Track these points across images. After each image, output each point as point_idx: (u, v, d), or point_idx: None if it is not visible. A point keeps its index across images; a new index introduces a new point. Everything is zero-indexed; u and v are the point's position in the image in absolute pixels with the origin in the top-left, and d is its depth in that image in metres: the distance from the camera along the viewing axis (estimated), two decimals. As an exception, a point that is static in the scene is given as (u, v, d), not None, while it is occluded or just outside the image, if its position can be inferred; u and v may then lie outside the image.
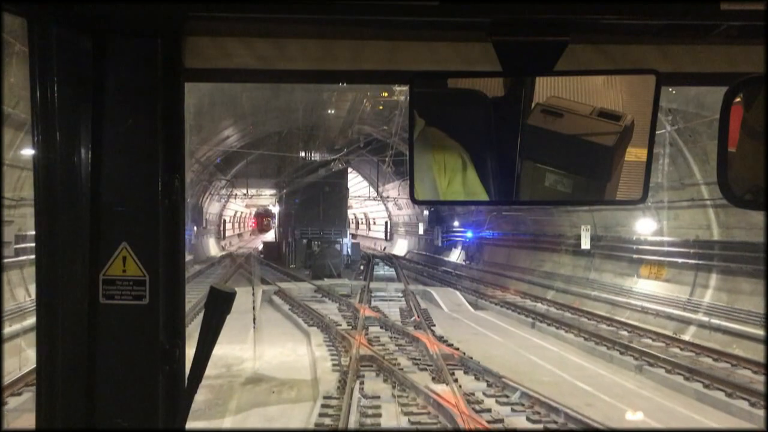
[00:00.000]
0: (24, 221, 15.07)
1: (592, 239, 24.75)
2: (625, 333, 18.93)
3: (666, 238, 20.78)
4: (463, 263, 38.69)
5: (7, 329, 13.69)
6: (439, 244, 43.60)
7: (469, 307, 24.78)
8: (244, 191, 50.24)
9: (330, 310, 22.63)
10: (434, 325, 19.69)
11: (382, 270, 39.05)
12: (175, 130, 1.45)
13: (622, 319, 20.97)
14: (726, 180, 1.35)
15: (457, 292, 27.29)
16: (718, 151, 1.36)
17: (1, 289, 13.23)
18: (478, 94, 1.38)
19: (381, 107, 32.14)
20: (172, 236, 1.46)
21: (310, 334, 18.47)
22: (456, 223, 41.45)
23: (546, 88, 1.36)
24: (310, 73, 1.58)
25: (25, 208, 14.98)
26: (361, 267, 40.35)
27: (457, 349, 16.10)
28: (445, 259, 41.94)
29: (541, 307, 24.51)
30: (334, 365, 14.73)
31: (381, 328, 19.31)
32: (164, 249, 1.44)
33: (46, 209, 1.40)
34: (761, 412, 11.81)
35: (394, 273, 36.55)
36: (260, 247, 54.00)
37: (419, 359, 15.10)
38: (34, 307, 1.49)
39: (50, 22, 1.35)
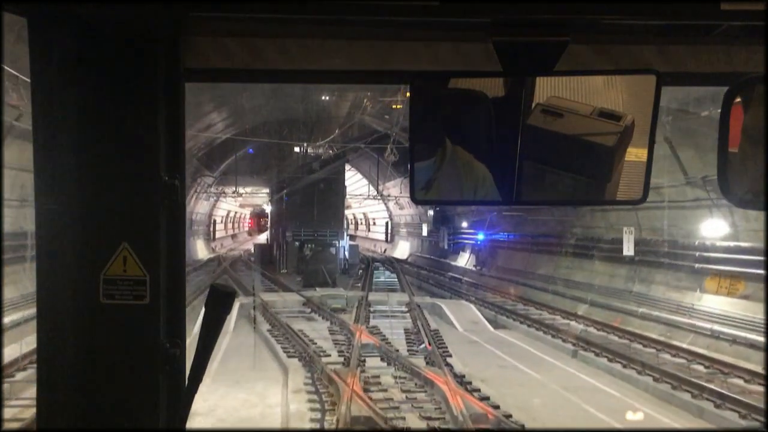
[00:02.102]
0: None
1: (636, 243, 20.02)
2: (700, 368, 14.18)
3: (744, 244, 16.05)
4: (474, 269, 33.93)
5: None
6: (445, 247, 38.87)
7: (488, 326, 20.05)
8: (237, 190, 45.78)
9: (318, 331, 17.88)
10: (450, 355, 14.95)
11: (383, 276, 34.32)
12: (176, 131, 1.42)
13: (685, 345, 16.27)
14: (726, 180, 1.32)
15: (472, 306, 22.54)
16: (718, 151, 1.32)
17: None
18: (479, 94, 1.35)
19: (399, 106, 27.61)
20: (173, 236, 1.43)
21: (289, 370, 13.73)
22: (464, 224, 36.70)
23: (546, 88, 1.33)
24: (311, 73, 1.56)
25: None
26: (360, 272, 35.67)
27: (487, 398, 11.39)
28: (453, 263, 37.16)
29: (575, 326, 19.77)
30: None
31: (382, 360, 14.57)
32: (164, 249, 1.41)
33: (47, 209, 1.37)
34: None
35: (395, 280, 31.78)
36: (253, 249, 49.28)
37: (437, 420, 10.37)
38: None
39: (50, 22, 1.33)
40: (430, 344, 15.65)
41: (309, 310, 21.95)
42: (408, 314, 21.28)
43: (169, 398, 1.43)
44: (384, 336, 17.29)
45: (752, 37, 1.43)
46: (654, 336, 17.48)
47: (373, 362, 14.40)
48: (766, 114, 1.28)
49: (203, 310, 1.38)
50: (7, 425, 9.64)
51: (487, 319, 20.98)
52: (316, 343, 16.02)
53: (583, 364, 15.34)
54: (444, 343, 16.39)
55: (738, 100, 1.31)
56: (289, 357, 14.84)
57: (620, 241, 20.77)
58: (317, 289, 26.24)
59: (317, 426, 10.17)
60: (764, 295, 14.98)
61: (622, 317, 19.99)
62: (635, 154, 1.32)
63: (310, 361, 14.11)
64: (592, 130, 1.32)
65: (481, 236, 32.98)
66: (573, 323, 20.10)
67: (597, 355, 15.44)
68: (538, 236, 27.43)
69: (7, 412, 10.38)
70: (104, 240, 1.39)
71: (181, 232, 1.44)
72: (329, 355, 14.83)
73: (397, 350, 15.28)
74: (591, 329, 18.98)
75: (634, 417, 11.37)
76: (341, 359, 14.38)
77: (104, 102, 1.37)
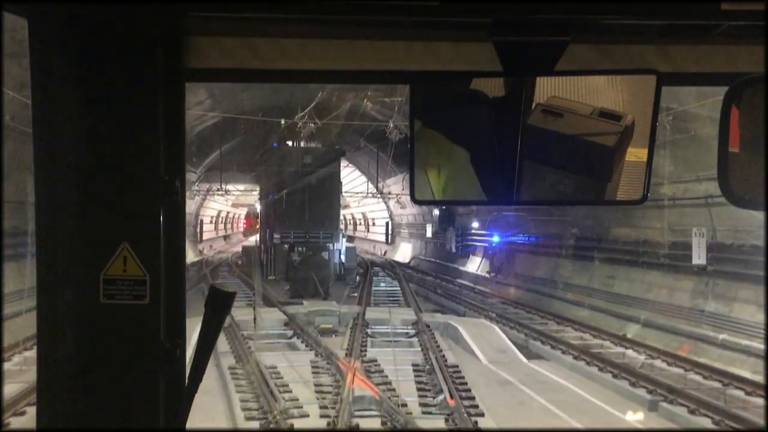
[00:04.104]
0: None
1: (709, 249, 15.25)
2: None
3: None
4: (487, 276, 29.12)
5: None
6: (453, 250, 34.05)
7: (519, 355, 15.23)
8: (226, 188, 41.43)
9: (297, 369, 13.04)
10: (481, 414, 10.18)
11: (383, 283, 29.58)
12: (176, 130, 1.37)
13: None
14: (726, 179, 1.29)
15: (495, 327, 17.69)
16: (718, 151, 1.30)
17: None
18: (479, 94, 1.32)
19: None
20: (173, 236, 1.38)
21: (243, 447, 8.94)
22: (475, 225, 31.89)
23: (546, 88, 1.30)
24: (311, 73, 1.51)
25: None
26: (357, 278, 30.89)
27: None
28: (462, 269, 32.35)
29: (633, 356, 14.95)
30: None
31: (384, 425, 9.75)
32: (165, 249, 1.36)
33: (47, 209, 1.34)
34: None
35: (398, 289, 26.96)
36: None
37: None
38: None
39: (50, 22, 1.31)
40: (451, 397, 10.82)
41: (291, 333, 17.11)
42: (415, 339, 16.47)
43: (169, 398, 1.37)
44: (385, 376, 12.50)
45: (752, 37, 1.39)
46: (748, 375, 12.70)
47: (372, 428, 9.59)
48: (766, 114, 1.25)
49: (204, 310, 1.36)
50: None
51: (516, 344, 16.19)
52: (290, 392, 11.24)
53: (672, 424, 10.53)
54: (468, 389, 11.61)
55: (738, 100, 1.28)
56: (247, 419, 10.00)
57: (684, 246, 16.05)
58: (304, 302, 21.39)
59: None
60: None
61: (692, 345, 15.19)
62: (635, 154, 1.29)
63: (276, 429, 9.27)
64: (593, 130, 1.29)
65: (496, 238, 28.15)
66: (630, 352, 15.25)
67: (692, 411, 10.59)
68: (568, 238, 22.59)
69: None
70: (104, 240, 1.34)
71: (181, 232, 1.39)
72: (305, 414, 10.05)
73: (405, 405, 10.49)
74: (657, 362, 14.16)
75: (634, 417, 10.47)
76: (324, 422, 9.61)
77: (104, 102, 1.33)
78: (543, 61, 1.31)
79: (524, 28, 1.28)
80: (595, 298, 19.91)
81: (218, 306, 1.34)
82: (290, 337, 16.63)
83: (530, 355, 15.77)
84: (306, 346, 15.47)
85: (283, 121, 22.78)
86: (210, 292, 1.34)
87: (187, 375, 1.37)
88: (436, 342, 15.69)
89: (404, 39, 1.42)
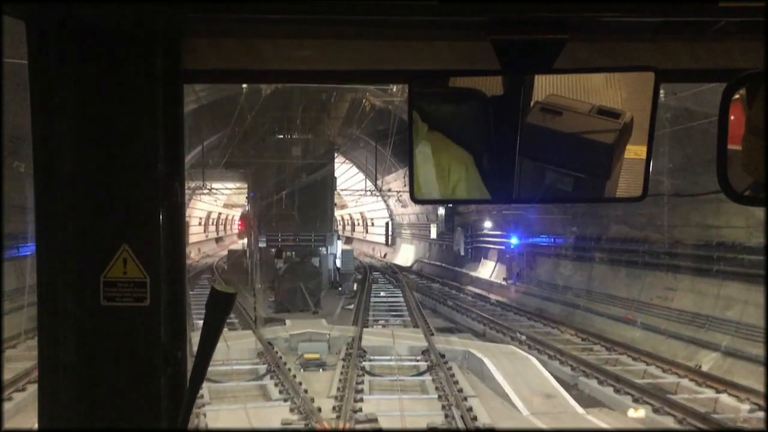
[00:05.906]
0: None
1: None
2: None
3: None
4: (504, 283, 24.80)
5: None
6: (461, 253, 29.80)
7: (571, 401, 10.96)
8: (211, 186, 37.61)
9: (261, 439, 8.76)
10: None
11: (384, 291, 25.33)
12: (175, 132, 1.38)
13: None
14: (725, 176, 1.26)
15: (531, 359, 13.38)
16: (717, 147, 1.27)
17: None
18: (478, 92, 1.31)
19: None
20: (173, 238, 1.38)
21: None
22: (487, 224, 27.61)
23: (545, 87, 1.28)
24: (310, 73, 1.53)
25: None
26: (354, 286, 26.61)
27: None
28: (473, 274, 28.04)
29: (731, 403, 10.69)
30: None
31: None
32: (165, 250, 1.37)
33: (47, 211, 1.34)
34: None
35: (401, 300, 22.65)
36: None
37: None
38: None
39: (49, 24, 1.30)
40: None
41: (264, 368, 12.80)
42: (428, 377, 12.20)
43: (170, 399, 1.37)
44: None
45: (750, 34, 1.38)
46: None
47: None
48: (765, 110, 1.22)
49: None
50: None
51: (563, 383, 11.93)
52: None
53: None
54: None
55: (737, 96, 1.25)
56: None
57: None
58: (288, 321, 17.09)
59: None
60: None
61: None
62: (634, 151, 1.28)
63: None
64: (591, 127, 1.28)
65: (514, 240, 23.85)
66: (725, 398, 10.97)
67: None
68: (609, 241, 18.30)
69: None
70: (104, 242, 1.33)
71: (180, 234, 1.38)
72: None
73: None
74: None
75: (635, 415, 10.02)
76: None
77: (103, 104, 1.32)
78: (541, 59, 1.28)
79: (522, 26, 1.26)
80: (650, 314, 15.64)
81: (219, 306, 1.25)
82: (262, 376, 12.32)
83: (584, 399, 11.51)
84: (280, 392, 11.16)
85: (244, 86, 18.35)
86: (211, 292, 1.25)
87: (188, 376, 1.30)
88: (457, 383, 11.44)
89: (403, 39, 1.41)
